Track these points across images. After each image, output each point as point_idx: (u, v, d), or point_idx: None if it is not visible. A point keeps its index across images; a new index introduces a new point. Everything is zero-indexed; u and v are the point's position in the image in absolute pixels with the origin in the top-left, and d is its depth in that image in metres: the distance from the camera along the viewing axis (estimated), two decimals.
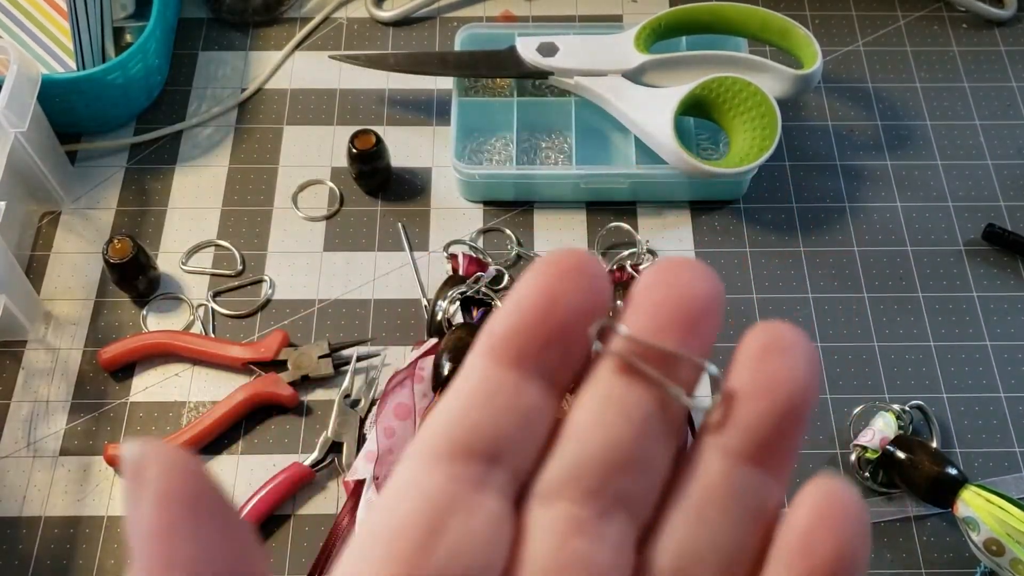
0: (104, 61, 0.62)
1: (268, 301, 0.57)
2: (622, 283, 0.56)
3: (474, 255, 0.57)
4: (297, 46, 0.68)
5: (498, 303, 0.55)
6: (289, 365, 0.54)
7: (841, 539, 0.17)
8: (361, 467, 0.48)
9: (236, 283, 0.58)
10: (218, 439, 0.53)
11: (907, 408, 0.53)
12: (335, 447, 0.52)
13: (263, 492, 0.50)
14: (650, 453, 0.18)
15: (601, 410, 0.18)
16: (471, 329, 0.51)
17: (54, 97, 0.58)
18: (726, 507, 0.18)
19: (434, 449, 0.18)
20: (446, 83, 0.65)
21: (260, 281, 0.58)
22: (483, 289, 0.55)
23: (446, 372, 0.49)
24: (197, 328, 0.56)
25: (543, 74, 0.61)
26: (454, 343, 0.50)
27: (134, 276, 0.55)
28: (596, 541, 0.17)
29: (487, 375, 0.18)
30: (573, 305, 0.18)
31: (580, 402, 0.18)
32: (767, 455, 0.18)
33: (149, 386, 0.54)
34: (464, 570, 0.16)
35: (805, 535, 0.17)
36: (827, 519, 0.17)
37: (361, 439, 0.52)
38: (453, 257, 0.57)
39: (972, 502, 0.47)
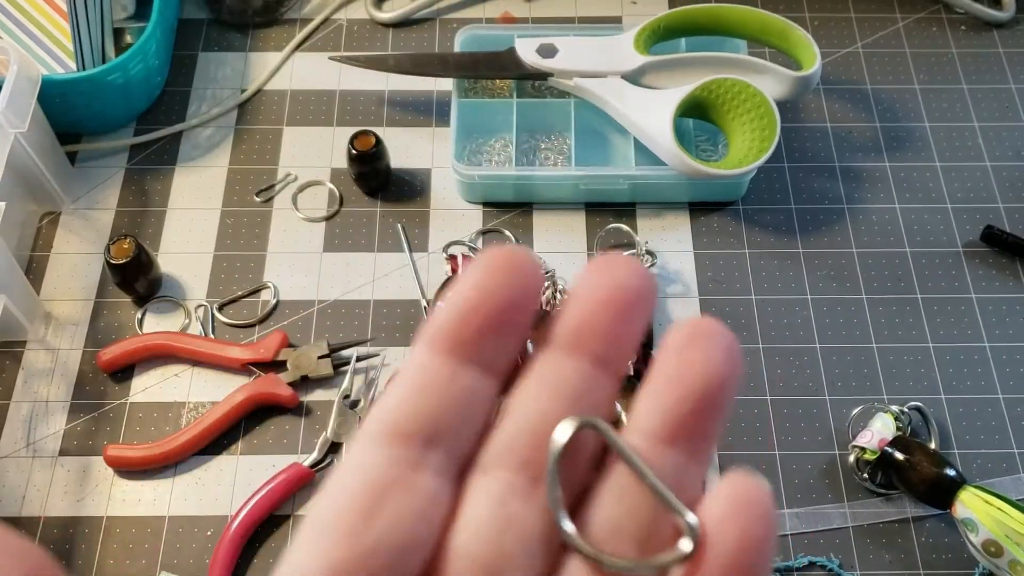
0: (104, 62, 0.62)
1: (274, 309, 0.57)
2: None
3: (473, 256, 0.57)
4: (297, 47, 0.68)
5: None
6: (289, 365, 0.54)
7: (746, 528, 0.18)
8: None
9: (240, 292, 0.58)
10: (218, 440, 0.53)
11: (906, 409, 0.53)
12: (335, 447, 0.52)
13: (263, 492, 0.50)
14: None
15: (534, 388, 0.20)
16: None
17: (54, 98, 0.58)
18: (642, 483, 0.19)
19: (375, 434, 0.19)
20: (446, 84, 0.66)
21: (263, 288, 0.58)
22: None
23: None
24: (194, 329, 0.56)
25: (543, 75, 0.61)
26: None
27: (135, 277, 0.55)
28: (529, 505, 0.19)
29: (425, 364, 0.20)
30: (505, 298, 0.19)
31: (518, 385, 0.20)
32: (684, 439, 0.19)
33: (148, 387, 0.55)
34: (399, 542, 0.18)
35: (712, 522, 0.19)
36: (736, 509, 0.18)
37: None
38: (452, 258, 0.57)
39: (970, 503, 0.47)
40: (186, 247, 0.59)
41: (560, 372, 0.20)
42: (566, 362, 0.20)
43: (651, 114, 0.58)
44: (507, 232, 0.60)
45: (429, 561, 0.19)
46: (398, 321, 0.57)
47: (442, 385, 0.19)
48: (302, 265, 0.59)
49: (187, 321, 0.57)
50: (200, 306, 0.57)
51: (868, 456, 0.51)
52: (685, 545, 0.18)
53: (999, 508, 0.47)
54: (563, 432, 0.19)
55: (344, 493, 0.19)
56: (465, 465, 0.20)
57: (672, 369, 0.20)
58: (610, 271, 0.20)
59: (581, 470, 0.20)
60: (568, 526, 0.19)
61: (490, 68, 0.62)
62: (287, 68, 0.67)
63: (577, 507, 0.20)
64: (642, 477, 0.19)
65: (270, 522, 0.51)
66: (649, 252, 0.57)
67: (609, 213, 0.61)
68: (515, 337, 0.20)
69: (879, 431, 0.51)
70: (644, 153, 0.60)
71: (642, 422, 0.20)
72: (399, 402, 0.20)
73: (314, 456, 0.52)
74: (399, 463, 0.19)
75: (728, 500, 0.19)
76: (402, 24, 0.69)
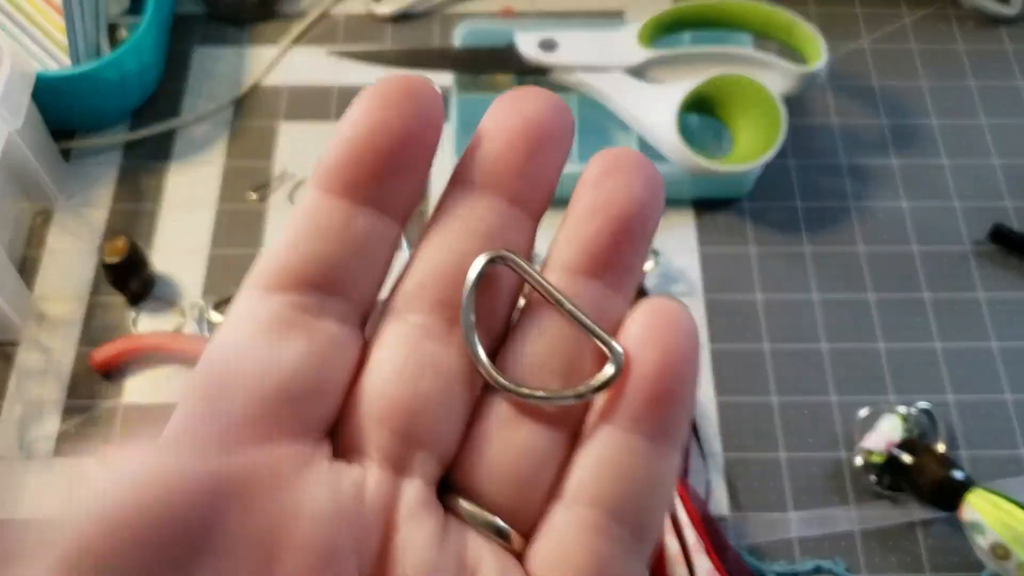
0: (99, 57, 0.61)
1: None
2: None
3: None
4: (294, 42, 0.67)
5: None
6: None
7: (666, 347, 0.18)
8: None
9: (236, 292, 0.57)
10: None
11: (913, 410, 0.53)
12: None
13: None
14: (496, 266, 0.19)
15: (444, 228, 0.19)
16: None
17: (48, 94, 0.57)
18: (563, 317, 0.18)
19: (267, 281, 0.18)
20: (445, 79, 0.65)
21: None
22: None
23: None
24: (189, 329, 0.56)
25: (544, 70, 0.60)
26: None
27: (129, 276, 0.54)
28: (445, 345, 0.18)
29: (317, 207, 0.18)
30: (400, 131, 0.18)
31: (428, 226, 0.19)
32: (604, 270, 0.19)
33: (143, 388, 0.54)
34: (304, 387, 0.17)
35: (631, 346, 0.18)
36: (654, 330, 0.18)
37: None
38: None
39: (978, 506, 0.47)
40: (181, 245, 0.58)
41: (472, 210, 0.19)
42: (478, 200, 0.19)
43: (655, 109, 0.57)
44: None
45: (340, 409, 0.18)
46: None
47: (338, 228, 0.18)
48: None
49: (182, 321, 0.56)
50: (195, 306, 0.56)
51: (875, 458, 0.50)
52: (608, 371, 0.18)
53: (1007, 511, 0.46)
54: (476, 266, 0.18)
55: (237, 342, 0.17)
56: (371, 314, 0.19)
57: (589, 201, 0.18)
58: (519, 104, 0.18)
59: (501, 310, 0.19)
60: (483, 358, 0.18)
61: (490, 63, 0.61)
62: (284, 63, 0.66)
63: (499, 348, 0.19)
64: (560, 308, 0.18)
65: None
66: (653, 250, 0.56)
67: None
68: (416, 174, 0.18)
69: (886, 432, 0.50)
70: (647, 149, 0.59)
71: (560, 256, 0.19)
72: (290, 246, 0.18)
73: None
74: (295, 308, 0.17)
75: (646, 322, 0.18)
76: (401, 18, 0.68)
